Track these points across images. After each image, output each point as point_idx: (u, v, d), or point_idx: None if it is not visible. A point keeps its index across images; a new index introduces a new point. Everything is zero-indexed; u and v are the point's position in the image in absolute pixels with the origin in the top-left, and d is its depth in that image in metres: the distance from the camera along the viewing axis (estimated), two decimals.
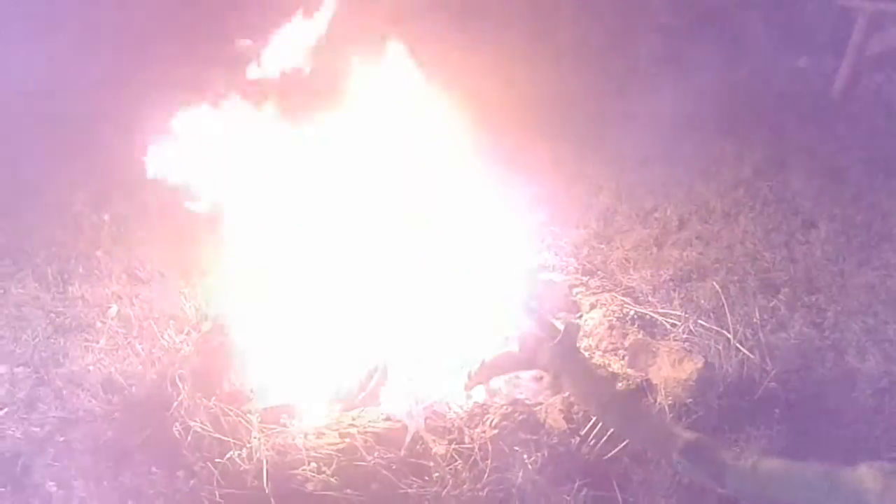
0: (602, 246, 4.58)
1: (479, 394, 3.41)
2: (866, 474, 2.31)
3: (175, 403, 3.31)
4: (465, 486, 2.89)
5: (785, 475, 2.51)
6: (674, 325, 3.73)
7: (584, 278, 4.24)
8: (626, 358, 3.55)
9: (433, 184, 3.79)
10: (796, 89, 6.95)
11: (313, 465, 2.97)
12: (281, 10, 3.68)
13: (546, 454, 3.00)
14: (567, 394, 3.28)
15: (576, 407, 3.24)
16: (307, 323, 3.49)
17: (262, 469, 2.95)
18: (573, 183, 5.44)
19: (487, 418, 3.20)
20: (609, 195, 5.23)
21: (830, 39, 7.34)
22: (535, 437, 3.08)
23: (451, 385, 3.42)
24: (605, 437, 3.04)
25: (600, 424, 3.07)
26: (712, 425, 3.11)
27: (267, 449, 3.04)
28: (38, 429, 3.33)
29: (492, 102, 5.89)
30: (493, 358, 3.39)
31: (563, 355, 3.15)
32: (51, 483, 3.04)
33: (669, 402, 3.18)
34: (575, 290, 4.14)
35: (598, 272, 4.31)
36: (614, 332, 3.71)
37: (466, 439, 3.11)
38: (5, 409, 3.46)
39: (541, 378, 3.54)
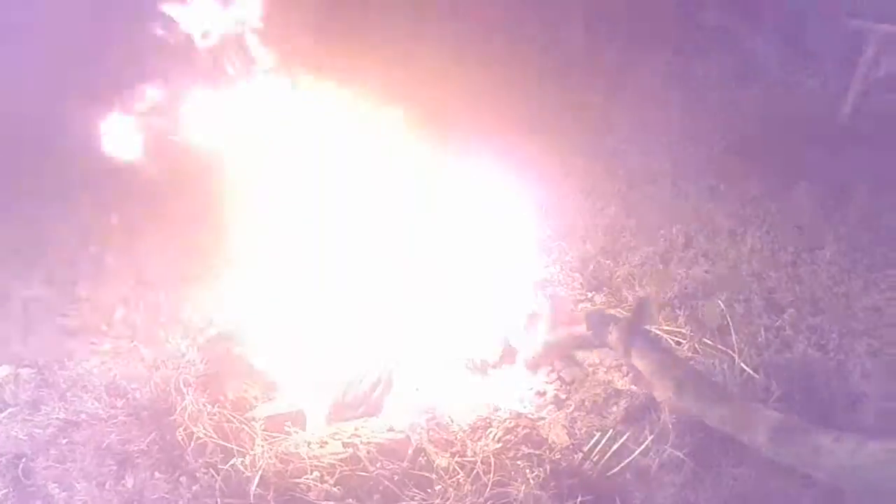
0: (608, 262, 4.57)
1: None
2: None
3: (179, 409, 3.32)
4: (467, 500, 2.89)
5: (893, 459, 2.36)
6: (679, 342, 3.73)
7: (590, 294, 4.24)
8: (630, 374, 3.54)
9: (442, 195, 3.81)
10: (805, 109, 6.94)
11: (316, 474, 2.97)
12: None
13: (548, 469, 3.00)
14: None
15: (579, 423, 3.24)
16: (312, 331, 3.50)
17: (264, 477, 2.95)
18: (580, 198, 5.45)
19: (490, 432, 3.20)
20: (616, 211, 5.23)
21: (840, 60, 7.35)
22: (537, 452, 3.09)
23: (453, 395, 3.43)
24: (607, 454, 3.03)
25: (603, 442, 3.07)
26: (715, 445, 3.10)
27: (270, 457, 3.04)
28: (41, 430, 3.33)
29: (499, 117, 5.92)
30: (559, 337, 3.38)
31: (633, 332, 3.10)
32: (53, 485, 3.04)
33: (673, 420, 3.17)
34: (580, 306, 4.14)
35: (604, 288, 4.31)
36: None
37: (469, 452, 3.11)
38: (9, 410, 3.46)
39: (544, 393, 3.55)
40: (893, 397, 3.37)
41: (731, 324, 3.74)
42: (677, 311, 3.97)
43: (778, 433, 2.58)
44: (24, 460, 3.17)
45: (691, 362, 3.55)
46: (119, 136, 3.67)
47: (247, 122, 3.65)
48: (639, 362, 3.14)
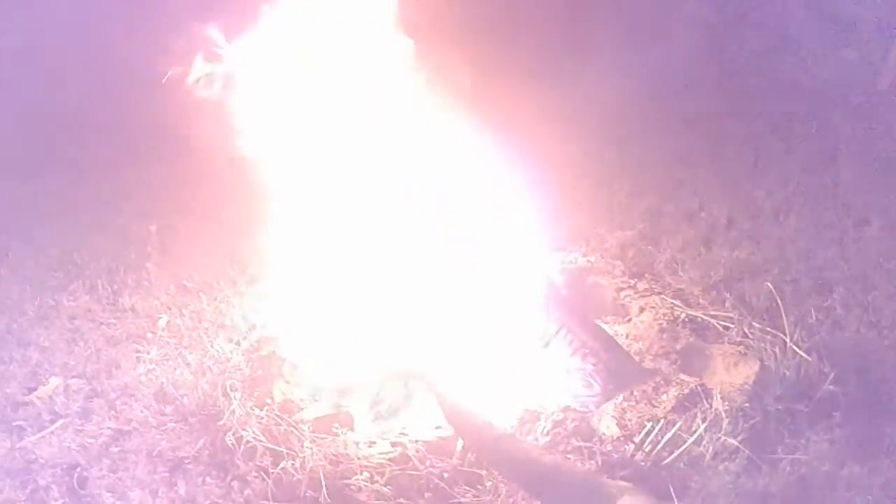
0: (649, 247, 4.49)
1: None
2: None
3: (227, 413, 3.34)
4: (518, 495, 2.86)
5: None
6: (727, 327, 3.65)
7: (632, 281, 4.17)
8: (679, 362, 3.48)
9: (475, 188, 3.76)
10: (843, 81, 6.79)
11: (366, 474, 2.97)
12: None
13: (600, 462, 2.96)
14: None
15: (629, 413, 3.19)
16: (356, 330, 3.49)
17: (314, 478, 2.95)
18: (615, 183, 5.37)
19: (539, 425, 3.16)
20: (653, 195, 5.15)
21: (876, 29, 7.17)
22: (588, 445, 3.04)
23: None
24: (660, 444, 2.98)
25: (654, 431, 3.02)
26: (770, 431, 3.04)
27: (319, 458, 3.04)
28: (93, 440, 3.37)
29: (528, 104, 5.87)
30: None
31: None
32: (107, 494, 3.08)
33: (726, 407, 3.11)
34: (623, 294, 4.07)
35: (646, 274, 4.23)
36: (665, 336, 3.63)
37: None
38: (61, 421, 3.52)
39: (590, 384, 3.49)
40: None
41: (780, 305, 3.65)
42: (724, 294, 3.89)
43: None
44: (78, 470, 3.22)
45: (740, 348, 3.49)
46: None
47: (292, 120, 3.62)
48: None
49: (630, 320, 3.87)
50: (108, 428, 3.43)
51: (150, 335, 4.08)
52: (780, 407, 3.12)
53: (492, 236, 3.70)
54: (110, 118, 6.61)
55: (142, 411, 3.48)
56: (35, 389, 3.75)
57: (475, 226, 3.70)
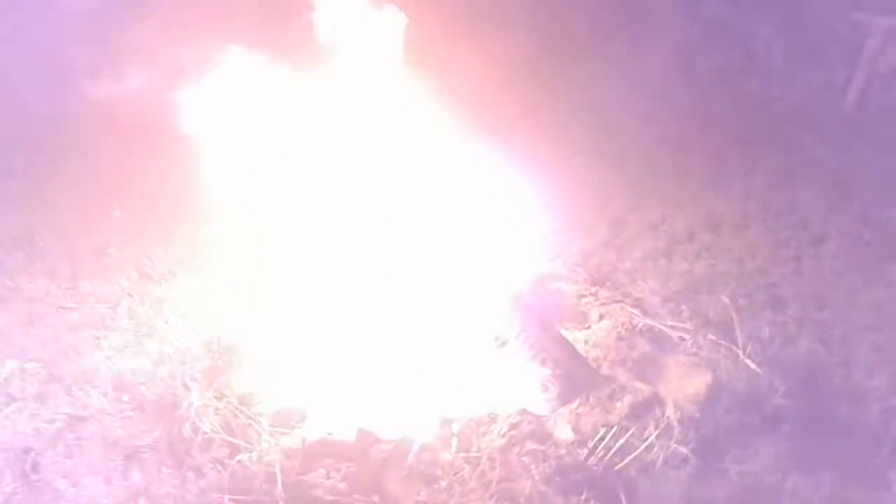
0: (611, 256, 4.56)
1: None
2: None
3: (185, 403, 3.33)
4: (472, 495, 2.90)
5: None
6: (682, 338, 3.73)
7: (593, 288, 4.23)
8: (634, 370, 3.55)
9: (439, 192, 3.79)
10: (808, 102, 6.93)
11: (322, 470, 2.98)
12: None
13: (554, 465, 3.02)
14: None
15: (584, 418, 3.25)
16: (319, 325, 3.50)
17: (270, 472, 2.96)
18: (581, 192, 5.43)
19: (495, 427, 3.21)
20: (618, 205, 5.22)
21: (843, 53, 7.33)
22: (542, 448, 3.10)
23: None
24: (612, 450, 3.05)
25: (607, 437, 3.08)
26: (720, 441, 3.12)
27: (276, 453, 3.05)
28: (48, 425, 3.34)
29: (498, 109, 5.90)
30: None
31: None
32: (60, 480, 3.06)
33: (678, 416, 3.18)
34: (584, 300, 4.14)
35: (608, 282, 4.30)
36: (622, 344, 3.71)
37: (474, 448, 3.11)
38: (16, 404, 3.47)
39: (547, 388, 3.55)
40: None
41: (735, 319, 3.74)
42: (681, 306, 3.98)
43: None
44: (31, 455, 3.19)
45: (694, 359, 3.57)
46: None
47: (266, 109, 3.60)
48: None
49: (589, 327, 3.93)
50: (64, 413, 3.40)
51: (109, 321, 4.03)
52: (730, 418, 3.21)
53: (456, 240, 3.73)
54: (80, 102, 6.50)
55: (99, 398, 3.45)
56: None
57: (440, 229, 3.73)
